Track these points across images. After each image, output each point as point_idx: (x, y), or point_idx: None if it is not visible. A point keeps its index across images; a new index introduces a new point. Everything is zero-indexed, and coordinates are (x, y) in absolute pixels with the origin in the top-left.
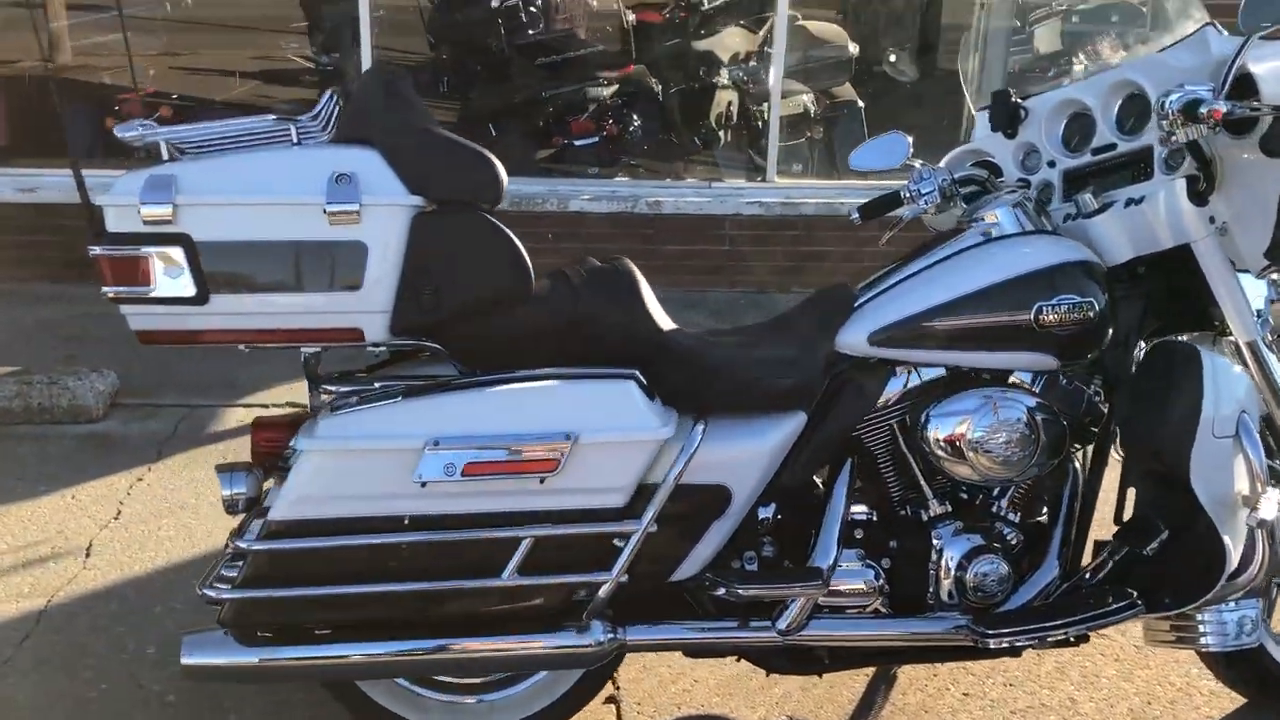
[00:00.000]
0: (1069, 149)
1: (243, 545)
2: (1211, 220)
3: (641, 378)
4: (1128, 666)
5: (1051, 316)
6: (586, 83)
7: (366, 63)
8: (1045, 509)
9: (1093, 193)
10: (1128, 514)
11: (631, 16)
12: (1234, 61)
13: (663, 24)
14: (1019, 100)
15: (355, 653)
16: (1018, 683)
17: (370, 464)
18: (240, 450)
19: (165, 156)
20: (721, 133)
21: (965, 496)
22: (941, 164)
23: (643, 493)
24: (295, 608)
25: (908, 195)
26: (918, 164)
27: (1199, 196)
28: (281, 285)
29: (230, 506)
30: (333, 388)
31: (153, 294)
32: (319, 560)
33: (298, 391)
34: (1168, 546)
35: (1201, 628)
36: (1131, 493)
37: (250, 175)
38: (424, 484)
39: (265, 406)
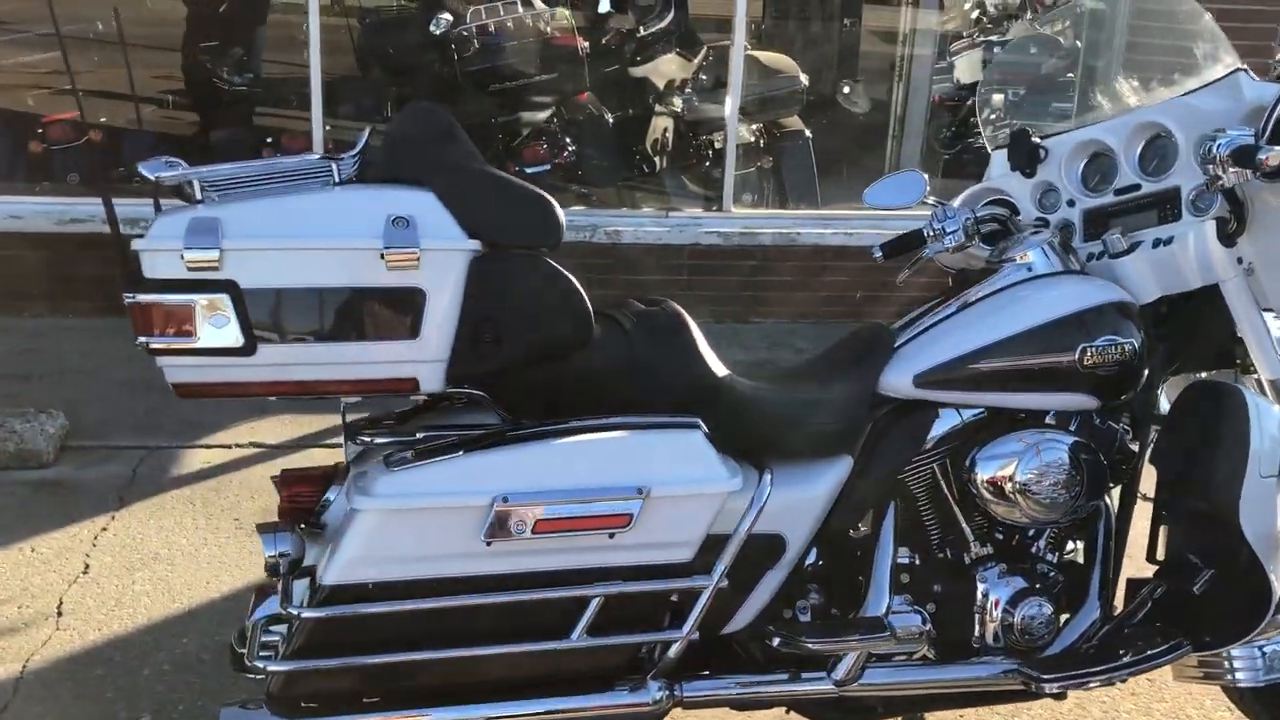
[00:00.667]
0: (1088, 189)
1: (295, 612)
2: (1239, 261)
3: (704, 426)
4: (1144, 700)
5: (1095, 357)
6: (538, 109)
7: (316, 85)
8: (1081, 550)
9: (1120, 233)
10: (1160, 552)
11: (585, 44)
12: (1275, 109)
13: (604, 50)
14: (1038, 141)
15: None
16: None
17: (433, 523)
18: (209, 495)
19: (198, 197)
20: (674, 162)
21: (1004, 538)
22: (957, 203)
23: (709, 545)
24: (350, 677)
25: (931, 233)
26: (931, 200)
27: (1228, 238)
28: (334, 334)
29: (273, 569)
30: (367, 438)
31: (196, 345)
32: (375, 626)
33: (259, 431)
34: (1211, 584)
35: (1233, 663)
36: (1163, 531)
37: (300, 218)
38: (489, 543)
39: (228, 447)
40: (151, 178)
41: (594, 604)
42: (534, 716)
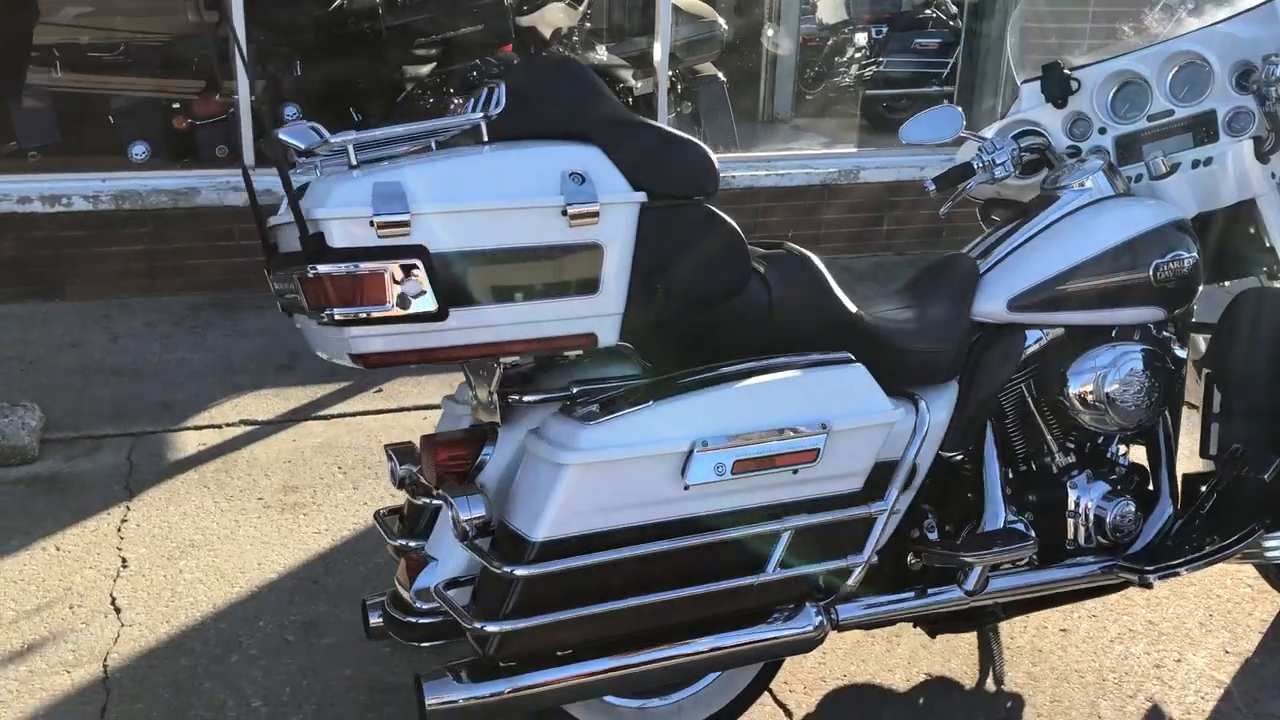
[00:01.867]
0: (1117, 117)
1: (508, 571)
2: (1273, 175)
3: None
4: (1177, 585)
5: (1165, 272)
6: (462, 63)
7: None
8: (1145, 452)
9: (1161, 156)
10: (1213, 448)
11: None
12: None
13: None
14: (1069, 73)
15: (601, 668)
16: (1099, 614)
17: (635, 472)
18: (220, 476)
19: (353, 162)
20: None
21: (1085, 447)
22: (990, 135)
23: (878, 474)
24: (560, 631)
25: (980, 165)
26: (968, 135)
27: (1263, 156)
28: (520, 294)
29: (464, 533)
30: (525, 398)
31: (389, 313)
32: (580, 579)
33: (243, 408)
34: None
35: (1271, 542)
36: (1214, 429)
37: (480, 178)
38: (688, 486)
39: (218, 427)
40: (302, 145)
41: (784, 538)
42: (708, 654)
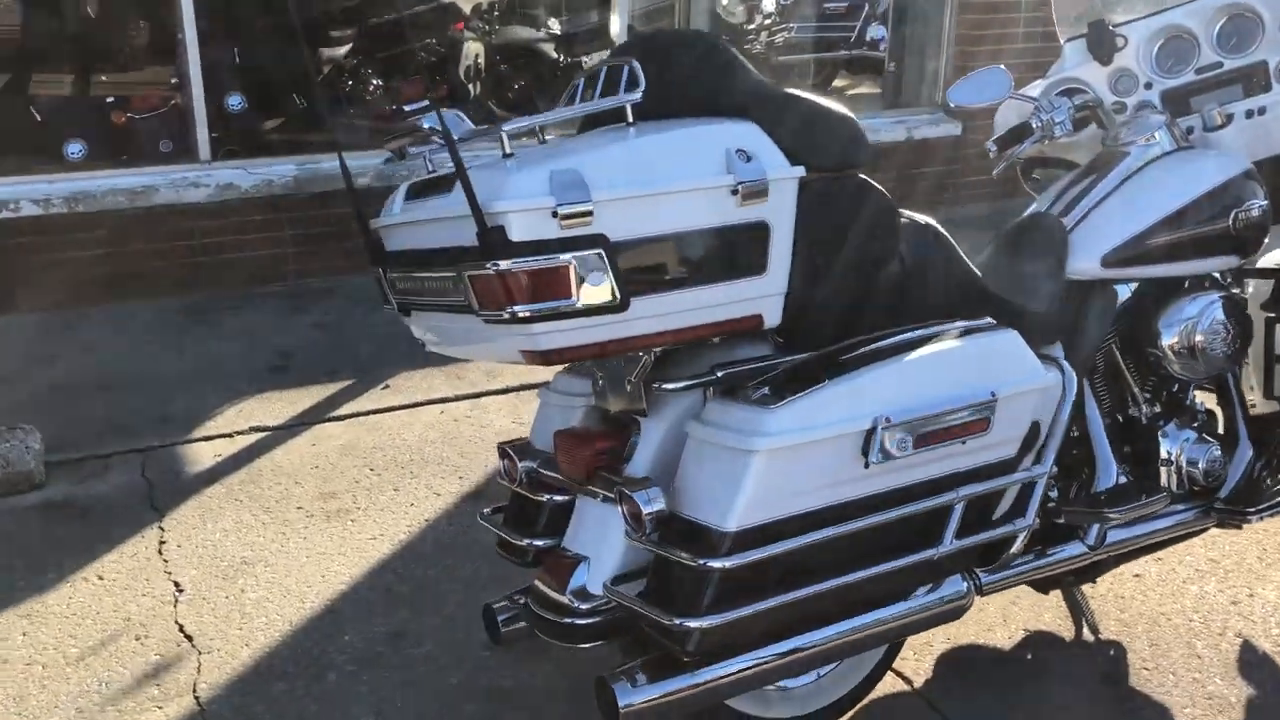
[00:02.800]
0: (1162, 71)
1: (702, 564)
2: None
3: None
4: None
5: (1243, 220)
6: (411, 43)
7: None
8: (1216, 399)
9: (1217, 108)
10: (1277, 389)
11: None
12: None
13: None
14: (1115, 29)
15: (778, 653)
16: (1164, 558)
17: (820, 453)
18: (250, 488)
19: (507, 150)
20: (543, 86)
21: (1169, 396)
22: (1037, 94)
23: (1030, 438)
24: (757, 620)
25: (1039, 125)
26: (1017, 96)
27: None
28: (696, 278)
29: (644, 528)
30: (669, 385)
31: (574, 306)
32: (774, 566)
33: (249, 414)
34: None
35: None
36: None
37: (653, 162)
38: (869, 464)
39: (229, 436)
40: (456, 135)
41: (958, 509)
42: (875, 629)
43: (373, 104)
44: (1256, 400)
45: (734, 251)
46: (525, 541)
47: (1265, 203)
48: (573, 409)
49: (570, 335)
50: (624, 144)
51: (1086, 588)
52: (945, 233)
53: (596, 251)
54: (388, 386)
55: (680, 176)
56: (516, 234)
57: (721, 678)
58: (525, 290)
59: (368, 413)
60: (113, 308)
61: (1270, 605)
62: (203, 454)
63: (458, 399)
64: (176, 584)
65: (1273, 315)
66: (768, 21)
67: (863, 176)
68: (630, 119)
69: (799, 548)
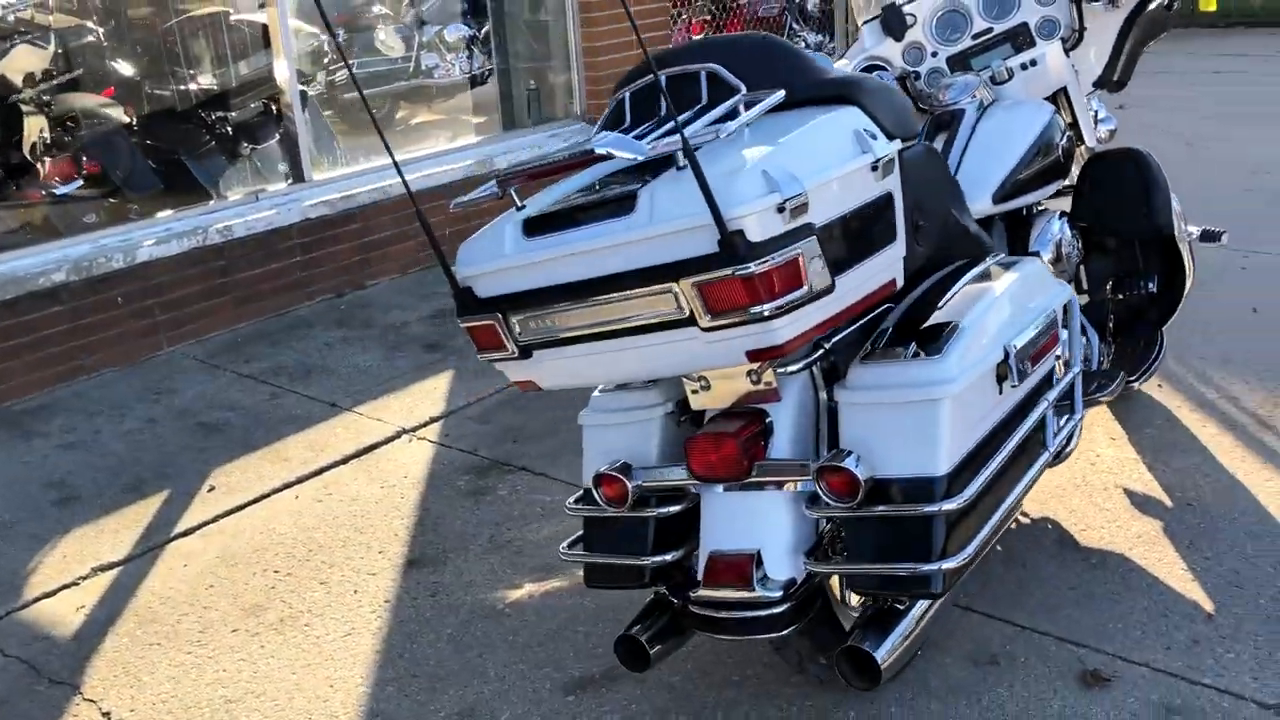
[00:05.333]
0: (942, 40)
1: (935, 510)
2: (1073, 67)
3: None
4: None
5: (1064, 149)
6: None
7: None
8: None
9: (1004, 64)
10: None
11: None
12: None
13: None
14: (904, 9)
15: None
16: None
17: (978, 388)
18: (148, 630)
19: (681, 164)
20: (230, 141)
21: None
22: (849, 67)
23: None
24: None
25: None
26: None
27: (1067, 52)
28: (862, 253)
29: (853, 496)
30: (793, 368)
31: (806, 294)
32: (978, 498)
33: (79, 555)
34: (1161, 284)
35: None
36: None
37: (815, 150)
38: (1002, 390)
39: (75, 584)
40: (640, 157)
41: (1051, 414)
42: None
43: (21, 191)
44: None
45: (878, 223)
46: (645, 561)
47: (1069, 131)
48: (648, 421)
49: (797, 324)
50: (790, 136)
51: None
52: (941, 161)
53: (813, 238)
54: (214, 488)
55: (839, 160)
56: (754, 235)
57: (928, 609)
58: (771, 287)
59: (215, 519)
60: None
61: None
62: (60, 611)
63: (300, 481)
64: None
65: (1084, 225)
66: (326, 61)
67: (925, 142)
68: (742, 110)
69: (991, 473)
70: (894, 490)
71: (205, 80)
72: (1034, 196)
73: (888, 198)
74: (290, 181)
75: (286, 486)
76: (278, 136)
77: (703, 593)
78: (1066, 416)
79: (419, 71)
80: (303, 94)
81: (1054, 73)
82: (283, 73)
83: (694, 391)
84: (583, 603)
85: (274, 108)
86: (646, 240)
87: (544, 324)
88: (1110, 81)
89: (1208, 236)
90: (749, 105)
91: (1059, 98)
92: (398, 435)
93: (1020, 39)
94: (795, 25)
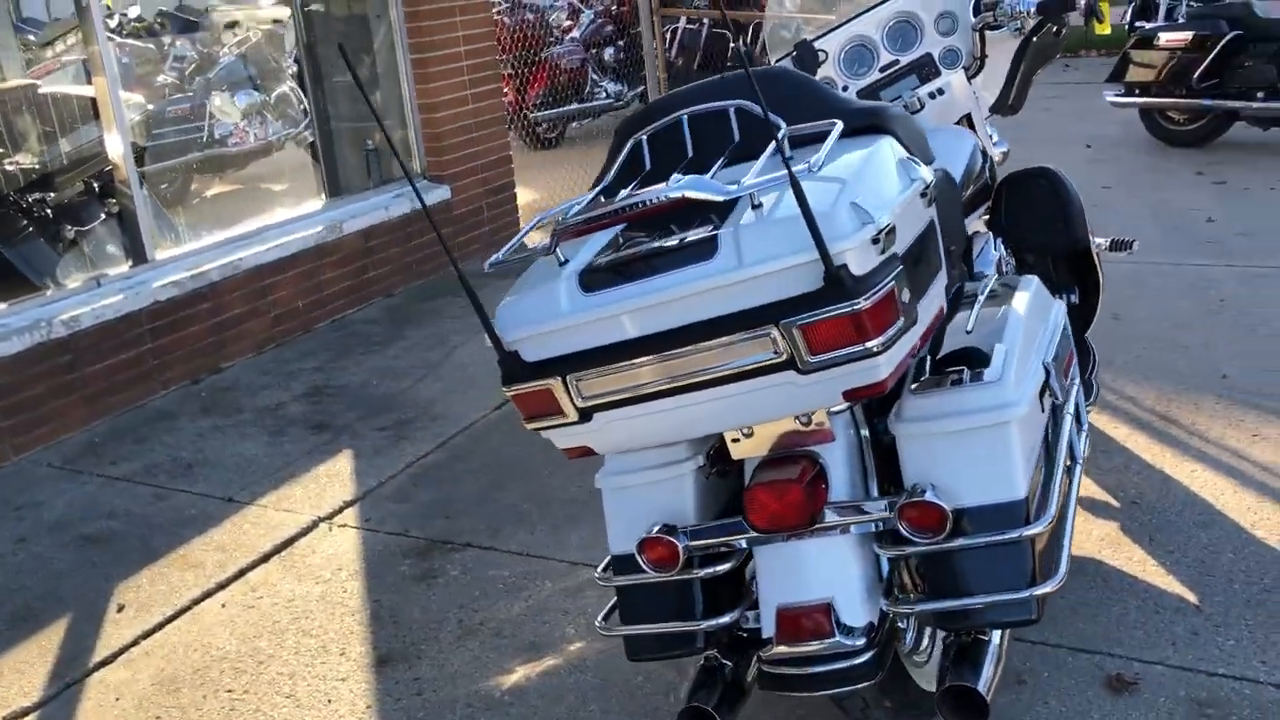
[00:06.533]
0: (851, 74)
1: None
2: (974, 93)
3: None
4: None
5: (990, 173)
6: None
7: None
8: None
9: (915, 94)
10: None
11: None
12: None
13: None
14: (817, 46)
15: None
16: None
17: (1034, 406)
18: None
19: (756, 203)
20: (51, 224)
21: None
22: None
23: None
24: None
25: None
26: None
27: (969, 80)
28: (926, 282)
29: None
30: (839, 407)
31: (901, 325)
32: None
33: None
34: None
35: None
36: None
37: (878, 180)
38: (1043, 407)
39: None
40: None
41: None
42: None
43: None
44: None
45: (930, 251)
46: (699, 626)
47: (987, 157)
48: (680, 478)
49: (894, 358)
50: (854, 169)
51: None
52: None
53: (901, 268)
54: (123, 607)
55: (898, 190)
56: (856, 269)
57: (1004, 634)
58: (879, 323)
59: (135, 641)
60: None
61: None
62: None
63: (221, 587)
64: None
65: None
66: (157, 132)
67: (941, 167)
68: (784, 133)
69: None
70: (977, 519)
71: (22, 160)
72: (979, 214)
73: (932, 225)
74: (132, 263)
75: (208, 595)
76: (105, 215)
77: (779, 650)
78: (1077, 427)
79: (212, 141)
80: (139, 169)
81: (960, 100)
82: (116, 147)
83: (735, 440)
84: (585, 679)
85: (98, 186)
86: (739, 284)
87: (608, 383)
88: (1006, 106)
89: (1117, 246)
90: (805, 139)
91: (962, 124)
92: (314, 525)
93: (925, 70)
94: (594, 75)
